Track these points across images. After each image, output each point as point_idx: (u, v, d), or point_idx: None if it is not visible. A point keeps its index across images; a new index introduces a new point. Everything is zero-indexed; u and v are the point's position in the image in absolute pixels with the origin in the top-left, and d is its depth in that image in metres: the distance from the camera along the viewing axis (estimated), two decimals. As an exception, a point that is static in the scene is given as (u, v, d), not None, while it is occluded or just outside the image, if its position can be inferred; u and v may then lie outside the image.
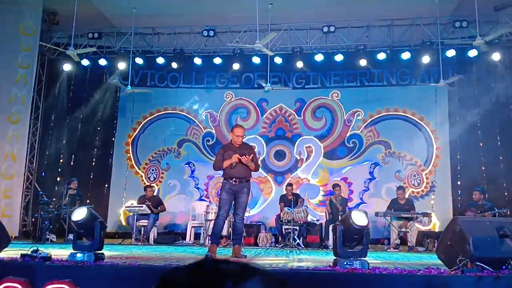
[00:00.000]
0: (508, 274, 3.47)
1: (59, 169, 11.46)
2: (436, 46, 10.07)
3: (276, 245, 9.65)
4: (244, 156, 5.88)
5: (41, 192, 9.66)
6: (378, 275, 3.65)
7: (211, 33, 10.53)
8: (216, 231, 6.08)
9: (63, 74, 11.42)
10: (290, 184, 10.38)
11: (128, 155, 11.89)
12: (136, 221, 9.45)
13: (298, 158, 11.56)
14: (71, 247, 4.41)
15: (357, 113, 11.51)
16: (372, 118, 11.43)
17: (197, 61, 11.22)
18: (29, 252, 4.07)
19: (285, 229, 9.59)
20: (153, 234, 9.91)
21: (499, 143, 10.40)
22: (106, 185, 11.70)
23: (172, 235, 10.46)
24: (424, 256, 7.12)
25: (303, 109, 11.75)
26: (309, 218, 9.95)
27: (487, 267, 3.50)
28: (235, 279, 0.95)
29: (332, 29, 10.22)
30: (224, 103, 12.01)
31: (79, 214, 4.37)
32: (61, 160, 11.59)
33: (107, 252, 4.84)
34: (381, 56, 10.68)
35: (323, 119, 11.67)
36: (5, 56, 10.17)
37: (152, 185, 11.06)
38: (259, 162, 7.70)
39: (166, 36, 11.18)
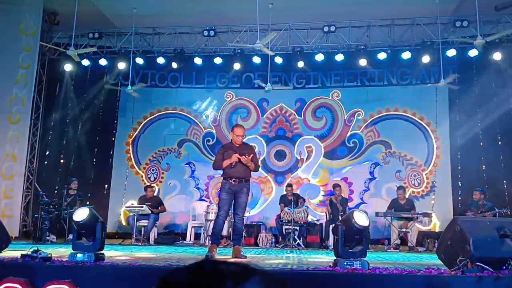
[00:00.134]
0: (508, 274, 3.47)
1: (60, 169, 11.46)
2: (436, 46, 10.07)
3: (277, 245, 9.65)
4: (244, 156, 5.88)
5: (41, 192, 9.67)
6: (378, 275, 3.64)
7: (212, 33, 10.53)
8: (216, 231, 6.08)
9: (63, 74, 11.44)
10: (289, 185, 10.37)
11: (129, 155, 11.89)
12: (136, 221, 9.45)
13: (299, 158, 11.56)
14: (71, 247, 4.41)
15: (357, 113, 11.51)
16: (373, 118, 11.42)
17: (198, 61, 11.22)
18: (29, 253, 4.07)
19: (285, 229, 9.59)
20: (153, 234, 9.91)
21: (499, 143, 10.40)
22: (106, 185, 11.70)
23: (172, 235, 10.45)
24: (424, 256, 7.11)
25: (304, 109, 11.75)
26: (309, 218, 9.95)
27: (487, 267, 3.50)
28: (235, 279, 0.94)
29: (332, 28, 10.22)
30: (225, 103, 12.01)
31: (81, 214, 4.36)
32: (61, 160, 11.60)
33: (107, 252, 4.84)
34: (382, 56, 10.67)
35: (323, 119, 11.66)
36: (5, 56, 10.18)
37: (152, 185, 11.06)
38: (259, 163, 7.70)
39: (166, 36, 11.18)
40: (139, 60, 11.11)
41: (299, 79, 11.84)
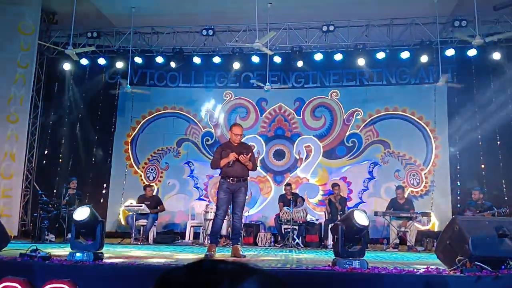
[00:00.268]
0: (507, 273, 3.47)
1: (58, 169, 11.45)
2: (435, 46, 10.07)
3: (276, 244, 9.65)
4: (242, 155, 5.88)
5: (40, 192, 9.66)
6: (377, 275, 3.65)
7: (210, 32, 10.51)
8: (214, 230, 6.08)
9: (62, 73, 11.42)
10: (288, 184, 10.38)
11: (127, 154, 11.88)
12: (135, 221, 9.45)
13: (298, 157, 11.56)
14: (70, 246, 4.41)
15: (356, 113, 11.51)
16: (371, 118, 11.42)
17: (196, 60, 11.22)
18: (28, 252, 4.07)
19: (284, 228, 9.59)
20: (152, 233, 9.91)
21: (498, 142, 10.41)
22: (105, 185, 11.69)
23: (171, 234, 10.46)
24: (423, 256, 7.12)
25: (303, 108, 11.74)
26: (308, 217, 9.95)
27: (486, 266, 3.50)
28: (233, 279, 0.94)
29: (331, 28, 10.21)
30: (224, 102, 12.01)
31: (82, 213, 4.35)
32: (60, 160, 11.58)
33: (106, 251, 4.84)
34: (381, 55, 10.68)
35: (322, 119, 11.66)
36: (4, 56, 10.16)
37: (151, 184, 11.05)
38: (258, 162, 7.70)
39: (165, 35, 11.17)
40: (138, 59, 11.11)
41: (298, 79, 11.84)
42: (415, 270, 3.74)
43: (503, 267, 3.59)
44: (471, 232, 3.80)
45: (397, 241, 9.28)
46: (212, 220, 6.53)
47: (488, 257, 3.65)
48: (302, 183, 11.37)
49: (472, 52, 10.07)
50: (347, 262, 3.90)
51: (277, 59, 10.75)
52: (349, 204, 10.56)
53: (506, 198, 9.83)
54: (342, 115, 11.57)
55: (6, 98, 10.09)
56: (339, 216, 9.14)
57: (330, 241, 8.91)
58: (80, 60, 10.79)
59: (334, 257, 4.14)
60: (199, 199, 11.38)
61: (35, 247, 4.17)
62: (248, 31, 10.35)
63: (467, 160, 10.48)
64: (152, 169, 11.80)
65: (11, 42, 10.17)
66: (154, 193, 10.63)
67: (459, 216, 4.61)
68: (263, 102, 11.87)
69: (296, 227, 9.44)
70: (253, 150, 6.71)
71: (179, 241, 9.95)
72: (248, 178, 6.20)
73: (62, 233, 9.15)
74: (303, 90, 11.84)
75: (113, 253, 5.82)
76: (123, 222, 11.07)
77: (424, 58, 10.39)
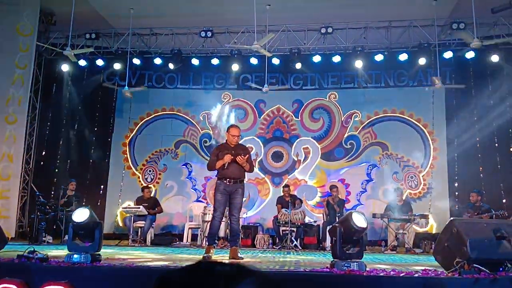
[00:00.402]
0: (505, 276, 3.47)
1: (56, 170, 11.43)
2: (433, 48, 10.09)
3: (274, 246, 9.65)
4: (239, 156, 5.87)
5: (38, 193, 9.64)
6: (375, 277, 3.64)
7: (209, 34, 10.50)
8: (212, 232, 6.07)
9: (60, 74, 11.41)
10: (286, 186, 10.38)
11: (125, 156, 11.86)
12: (133, 222, 9.44)
13: (296, 159, 11.56)
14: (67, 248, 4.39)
15: (354, 115, 11.52)
16: (370, 120, 11.44)
17: (195, 61, 11.23)
18: (25, 253, 4.05)
19: (282, 230, 9.59)
20: (150, 235, 9.89)
21: (496, 144, 10.43)
22: (103, 186, 11.67)
23: (169, 236, 10.44)
24: (421, 258, 7.12)
25: (301, 110, 11.75)
26: (307, 219, 9.94)
27: (484, 269, 3.50)
28: (229, 280, 0.94)
29: (329, 30, 10.22)
30: (222, 104, 12.00)
31: (81, 215, 4.33)
32: (57, 161, 11.55)
33: (103, 253, 4.82)
34: (379, 57, 10.70)
35: (320, 121, 11.67)
36: (2, 57, 10.14)
37: (149, 186, 11.04)
38: (256, 164, 7.69)
39: (163, 37, 11.17)
40: (136, 61, 11.10)
41: (296, 81, 11.84)
42: (413, 272, 3.74)
43: (501, 269, 3.59)
44: (469, 234, 3.80)
45: (395, 243, 9.29)
46: (210, 222, 6.52)
47: (486, 259, 3.65)
48: (300, 185, 11.37)
49: (470, 55, 10.09)
50: (345, 264, 3.90)
51: (276, 61, 10.77)
52: (347, 206, 10.55)
53: (504, 200, 9.84)
54: (340, 117, 11.58)
55: (4, 99, 10.07)
56: (337, 218, 9.14)
57: (328, 243, 8.91)
58: (78, 61, 10.77)
59: (332, 259, 4.14)
60: (197, 200, 11.37)
61: (32, 249, 4.16)
62: (247, 33, 10.36)
63: (465, 162, 10.49)
64: (150, 171, 11.78)
65: (10, 43, 10.15)
66: (152, 195, 10.62)
67: (457, 218, 4.61)
68: (262, 104, 11.88)
69: (294, 229, 9.44)
70: (251, 152, 6.71)
71: (177, 242, 9.95)
72: (245, 179, 6.20)
73: (59, 234, 9.14)
74: (302, 92, 11.84)
75: (111, 255, 5.80)
76: (120, 224, 11.05)
77: (422, 61, 10.41)
